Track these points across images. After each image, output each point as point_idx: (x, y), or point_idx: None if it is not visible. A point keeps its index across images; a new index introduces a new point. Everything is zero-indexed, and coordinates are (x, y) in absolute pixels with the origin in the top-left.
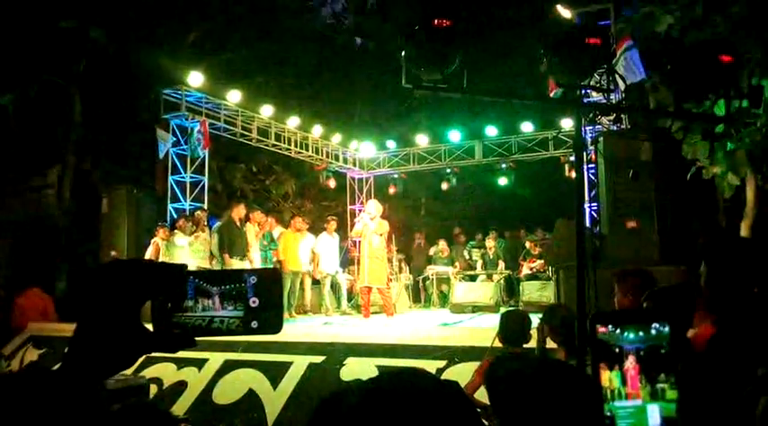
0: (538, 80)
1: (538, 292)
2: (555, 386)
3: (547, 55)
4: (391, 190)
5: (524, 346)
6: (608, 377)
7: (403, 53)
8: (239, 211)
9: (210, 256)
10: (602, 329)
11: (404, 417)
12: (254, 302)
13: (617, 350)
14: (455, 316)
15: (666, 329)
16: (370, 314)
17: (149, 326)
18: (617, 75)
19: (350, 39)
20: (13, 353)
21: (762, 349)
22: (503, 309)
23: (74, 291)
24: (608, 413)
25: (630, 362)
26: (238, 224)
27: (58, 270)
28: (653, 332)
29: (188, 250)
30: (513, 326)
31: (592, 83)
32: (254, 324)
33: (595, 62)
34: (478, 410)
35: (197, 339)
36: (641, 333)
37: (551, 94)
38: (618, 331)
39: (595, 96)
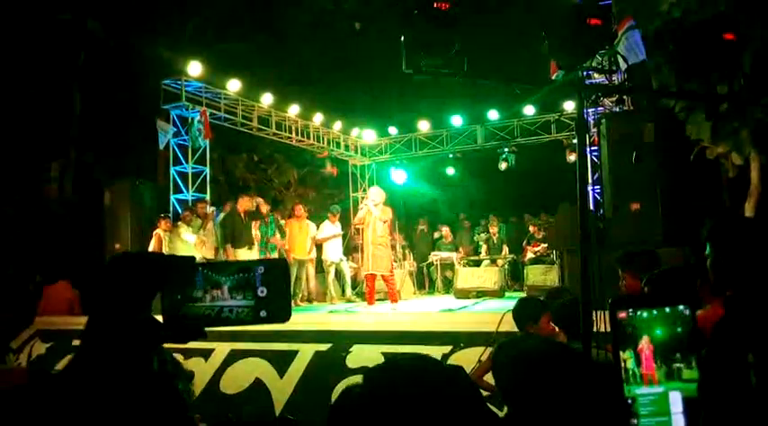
0: (539, 63)
1: (542, 276)
2: (557, 368)
3: (548, 36)
4: (394, 177)
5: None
6: (622, 358)
7: (402, 38)
8: (244, 203)
9: (216, 249)
10: (621, 314)
11: (410, 403)
12: (262, 292)
13: (630, 330)
14: (459, 302)
15: (684, 310)
16: (374, 301)
17: (159, 318)
18: (619, 56)
19: (349, 25)
20: (21, 347)
21: None
22: (507, 294)
23: (82, 285)
24: (628, 399)
25: (644, 342)
26: (242, 216)
27: (64, 263)
28: (668, 311)
29: (193, 242)
30: (523, 311)
31: (594, 64)
32: (263, 314)
33: (597, 43)
34: (488, 393)
35: (207, 329)
36: (656, 313)
37: (553, 77)
38: (636, 313)
39: (598, 77)
